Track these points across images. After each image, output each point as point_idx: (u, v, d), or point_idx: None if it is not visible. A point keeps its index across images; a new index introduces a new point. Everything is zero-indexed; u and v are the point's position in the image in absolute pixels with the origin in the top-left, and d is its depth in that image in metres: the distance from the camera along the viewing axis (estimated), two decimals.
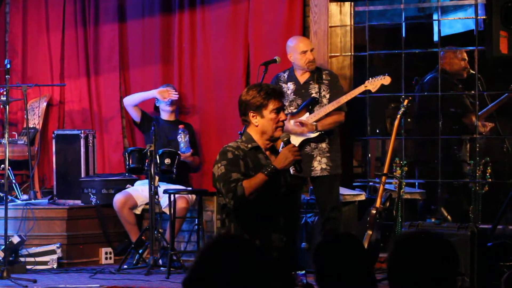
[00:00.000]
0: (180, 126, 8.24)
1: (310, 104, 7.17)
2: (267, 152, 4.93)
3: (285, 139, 4.90)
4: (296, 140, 7.14)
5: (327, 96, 7.21)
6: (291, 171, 4.97)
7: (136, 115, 8.52)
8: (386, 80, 7.08)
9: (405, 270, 3.15)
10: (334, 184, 7.22)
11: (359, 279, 3.32)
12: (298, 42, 7.32)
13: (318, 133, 7.12)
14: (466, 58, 8.33)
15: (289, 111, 7.23)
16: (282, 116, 4.89)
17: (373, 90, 7.11)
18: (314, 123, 7.11)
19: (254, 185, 4.74)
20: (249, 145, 4.89)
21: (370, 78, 7.19)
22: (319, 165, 7.15)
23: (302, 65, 7.24)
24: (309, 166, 7.12)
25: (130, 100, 8.53)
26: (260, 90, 4.88)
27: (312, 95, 7.21)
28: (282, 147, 4.91)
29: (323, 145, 7.18)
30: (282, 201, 4.89)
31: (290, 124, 7.09)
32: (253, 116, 4.89)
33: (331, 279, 3.32)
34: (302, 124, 7.09)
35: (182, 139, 8.18)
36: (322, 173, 7.15)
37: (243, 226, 4.83)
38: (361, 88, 7.10)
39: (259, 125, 4.89)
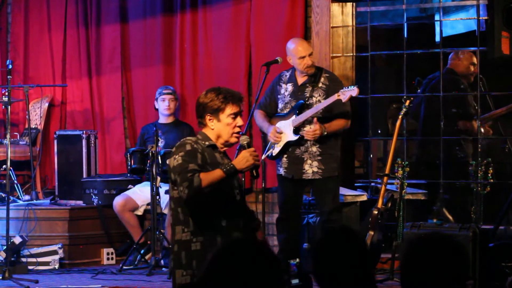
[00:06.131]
0: None
1: (298, 108, 7.12)
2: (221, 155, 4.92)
3: (245, 142, 4.89)
4: (279, 143, 7.15)
5: (322, 101, 7.12)
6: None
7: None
8: (354, 91, 7.00)
9: (418, 271, 3.16)
10: (329, 186, 7.16)
11: (357, 278, 3.32)
12: (296, 46, 7.21)
13: (298, 137, 7.11)
14: (475, 62, 8.28)
15: (284, 112, 7.23)
16: (239, 121, 4.87)
17: (343, 100, 7.02)
18: (324, 126, 7.06)
19: (211, 179, 4.71)
20: (206, 143, 4.86)
21: (344, 88, 7.10)
22: (310, 168, 7.13)
23: (300, 70, 7.21)
24: (299, 168, 7.13)
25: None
26: (219, 94, 4.86)
27: (306, 98, 7.16)
28: (239, 150, 4.86)
29: (314, 148, 7.14)
30: (237, 204, 4.87)
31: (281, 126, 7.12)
32: (209, 119, 4.88)
33: (329, 277, 3.33)
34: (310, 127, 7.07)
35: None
36: (314, 176, 7.13)
37: (203, 223, 4.77)
38: (334, 97, 7.03)
39: (215, 129, 4.87)
